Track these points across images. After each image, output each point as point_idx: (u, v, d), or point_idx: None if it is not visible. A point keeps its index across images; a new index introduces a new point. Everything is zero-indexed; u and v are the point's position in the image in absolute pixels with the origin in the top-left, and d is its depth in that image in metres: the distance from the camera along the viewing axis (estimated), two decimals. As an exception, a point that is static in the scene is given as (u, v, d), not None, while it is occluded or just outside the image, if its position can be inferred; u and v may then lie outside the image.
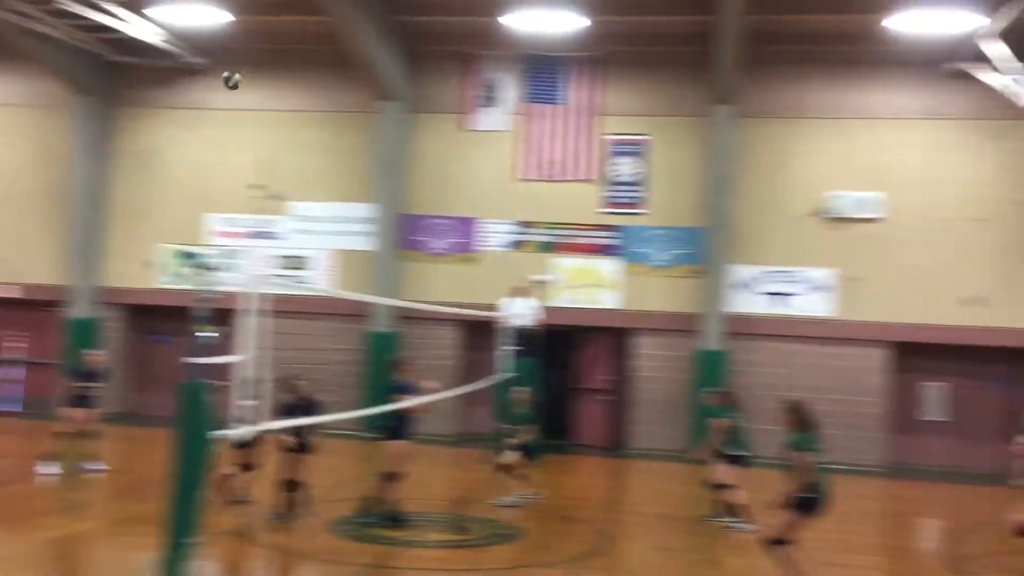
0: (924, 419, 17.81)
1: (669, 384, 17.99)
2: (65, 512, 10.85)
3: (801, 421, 8.23)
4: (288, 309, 10.28)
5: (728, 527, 10.81)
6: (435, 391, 10.81)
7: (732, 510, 10.89)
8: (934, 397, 17.80)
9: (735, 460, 10.94)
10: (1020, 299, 17.03)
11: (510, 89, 18.97)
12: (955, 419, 17.68)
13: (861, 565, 10.15)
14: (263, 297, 7.11)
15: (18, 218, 20.22)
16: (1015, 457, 9.21)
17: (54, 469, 12.29)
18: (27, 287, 20.00)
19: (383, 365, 17.21)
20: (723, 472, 10.99)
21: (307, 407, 10.02)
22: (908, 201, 17.45)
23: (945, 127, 17.51)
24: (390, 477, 10.36)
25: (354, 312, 18.31)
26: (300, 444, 10.13)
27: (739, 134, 17.87)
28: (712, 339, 17.56)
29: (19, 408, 19.37)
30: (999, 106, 16.27)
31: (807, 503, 8.00)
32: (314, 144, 19.39)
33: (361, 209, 19.06)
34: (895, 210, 17.46)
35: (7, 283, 20.01)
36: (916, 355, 17.51)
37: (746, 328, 17.73)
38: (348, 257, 19.16)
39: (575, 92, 18.76)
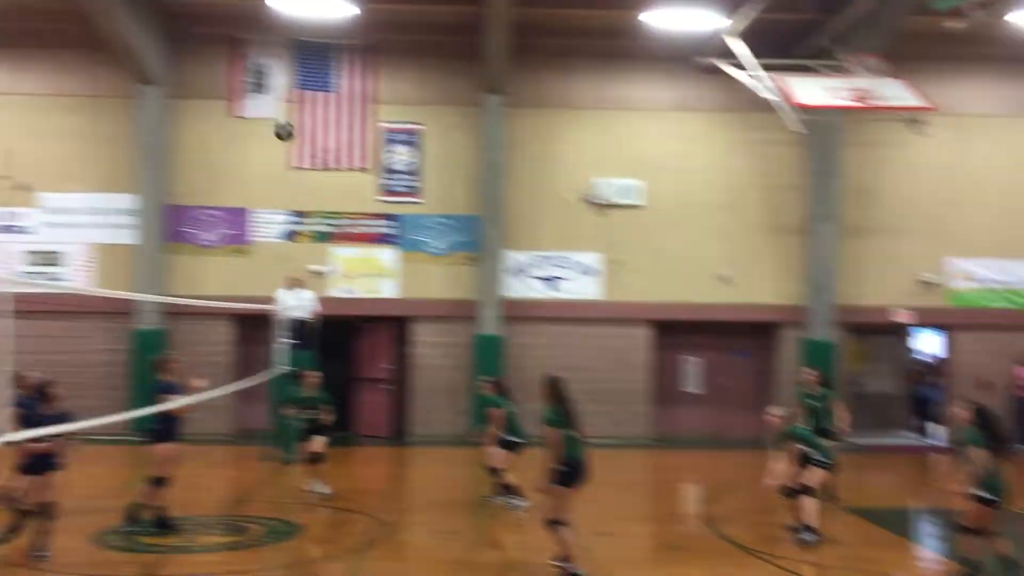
0: (683, 392, 19.12)
1: (449, 370, 18.29)
2: None
3: (553, 396, 8.57)
4: (41, 309, 9.59)
5: (507, 507, 11.17)
6: (202, 390, 10.41)
7: (509, 491, 11.27)
8: (691, 371, 19.16)
9: (509, 446, 11.32)
10: (763, 277, 18.59)
11: (280, 75, 18.49)
12: (710, 391, 19.10)
13: (631, 532, 10.79)
14: (7, 297, 6.60)
15: None
16: (768, 426, 10.12)
17: None
18: None
19: (150, 364, 16.44)
20: (497, 456, 11.39)
21: (58, 416, 9.09)
22: (665, 188, 18.60)
23: (696, 118, 18.77)
24: (157, 481, 9.93)
25: (118, 310, 17.28)
26: (45, 460, 9.18)
27: (509, 123, 18.35)
28: (489, 324, 17.99)
29: None
30: (744, 99, 17.62)
31: (563, 476, 8.37)
32: (67, 130, 18.06)
33: (122, 200, 17.99)
34: (654, 196, 18.56)
35: None
36: (675, 332, 18.75)
37: (521, 312, 18.30)
38: (109, 251, 18.04)
39: (348, 80, 18.57)
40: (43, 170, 17.90)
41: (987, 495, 8.21)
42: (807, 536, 9.80)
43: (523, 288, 18.46)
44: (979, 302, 18.64)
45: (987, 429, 8.39)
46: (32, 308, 7.30)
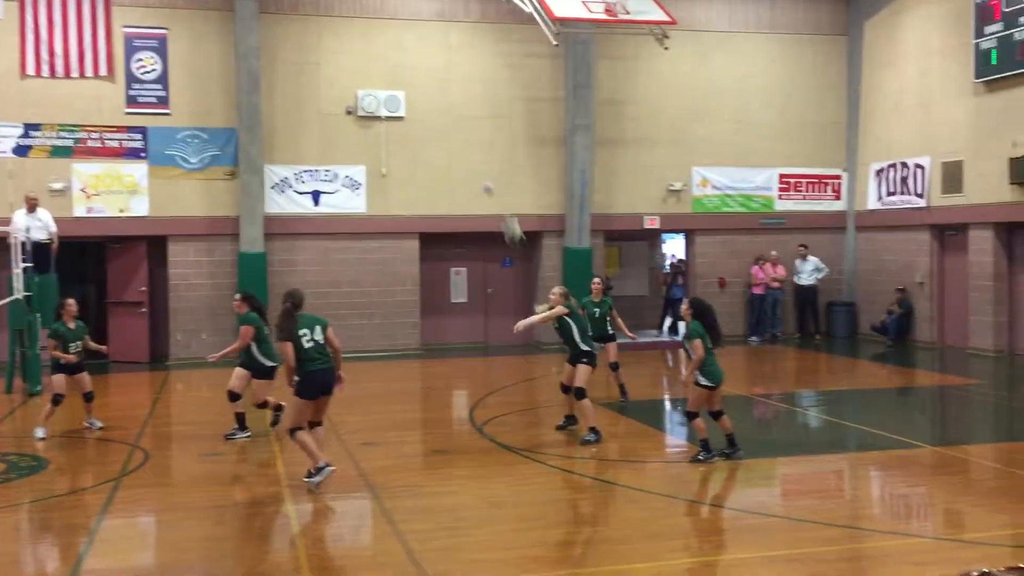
0: (451, 302, 19.50)
1: (212, 290, 17.65)
2: None
3: (283, 313, 8.59)
4: None
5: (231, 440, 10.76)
6: None
7: (240, 421, 10.80)
8: (458, 281, 19.55)
9: (258, 368, 10.63)
10: (524, 188, 19.09)
11: (0, -30, 16.62)
12: (476, 300, 19.60)
13: (398, 440, 11.00)
14: None
15: None
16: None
17: None
18: None
19: None
20: (237, 379, 10.70)
21: None
22: (428, 100, 18.55)
23: (459, 29, 18.73)
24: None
25: None
26: None
27: (265, 30, 17.57)
28: (251, 242, 17.44)
29: None
30: (505, 11, 17.76)
31: (299, 386, 8.50)
32: None
33: None
34: (416, 108, 18.48)
35: None
36: (441, 244, 18.99)
37: (284, 228, 17.87)
38: None
39: (81, -22, 16.97)
40: None
41: (705, 381, 9.28)
42: (591, 436, 10.30)
43: (285, 203, 17.98)
44: (718, 208, 20.12)
45: (704, 321, 9.37)
46: None
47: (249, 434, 10.79)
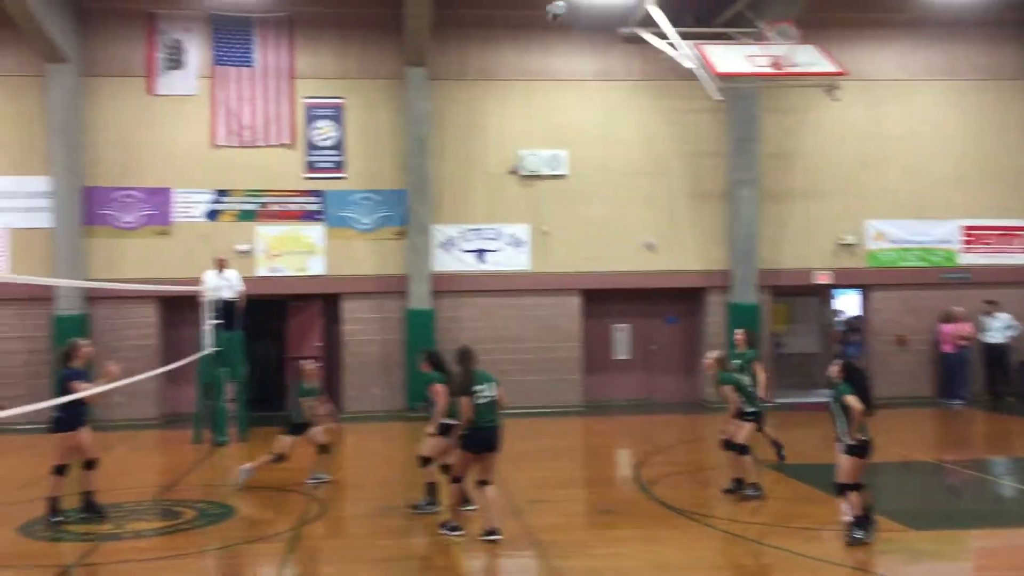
0: (613, 359, 19.41)
1: (381, 345, 18.27)
2: None
3: (462, 368, 8.89)
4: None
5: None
6: (117, 376, 10.21)
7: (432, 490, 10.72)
8: (620, 338, 19.46)
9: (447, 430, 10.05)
10: (687, 243, 18.91)
11: (197, 51, 18.09)
12: (639, 357, 19.43)
13: (565, 498, 10.97)
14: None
15: None
16: (706, 369, 10.64)
17: None
18: None
19: (58, 353, 16.08)
20: (433, 445, 10.18)
21: None
22: (589, 157, 18.74)
23: (619, 88, 18.90)
24: (58, 470, 9.83)
25: (36, 296, 16.87)
26: None
27: (433, 96, 18.27)
28: (419, 299, 18.00)
29: None
30: (665, 69, 17.81)
31: (466, 440, 8.75)
32: (-26, 112, 17.44)
33: (35, 183, 17.47)
34: (578, 166, 18.70)
35: None
36: (603, 300, 19.00)
37: (451, 286, 18.34)
38: (24, 236, 17.52)
39: (267, 54, 18.25)
40: (-50, 154, 17.29)
41: (856, 446, 8.48)
42: (751, 491, 10.18)
43: (452, 261, 18.49)
44: (895, 262, 19.26)
45: (855, 385, 8.63)
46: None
47: (439, 509, 9.97)
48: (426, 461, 10.21)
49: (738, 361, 12.12)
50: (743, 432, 10.56)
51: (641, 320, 19.45)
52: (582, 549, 8.63)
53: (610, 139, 18.83)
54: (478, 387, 8.75)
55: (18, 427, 9.61)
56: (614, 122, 18.88)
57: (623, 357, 19.43)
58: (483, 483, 8.85)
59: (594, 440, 16.13)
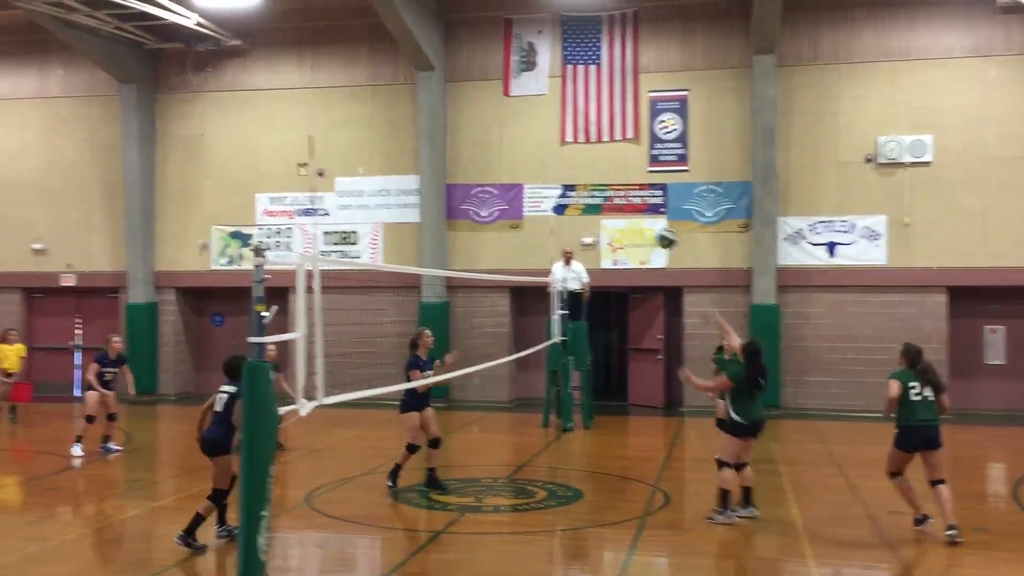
0: (985, 363, 17.52)
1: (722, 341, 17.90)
2: (125, 493, 11.19)
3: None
4: (341, 284, 10.40)
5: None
6: (451, 367, 10.83)
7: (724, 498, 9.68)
8: (993, 340, 17.52)
9: (735, 428, 9.30)
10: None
11: (548, 52, 18.86)
12: (1016, 362, 17.38)
13: (931, 512, 10.06)
14: (318, 274, 7.22)
15: (75, 208, 20.68)
16: None
17: (79, 451, 12.80)
18: (89, 275, 20.52)
19: (436, 335, 17.42)
20: (729, 446, 9.37)
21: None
22: (958, 142, 17.08)
23: (992, 64, 17.04)
24: (410, 448, 10.54)
25: (405, 284, 18.51)
26: None
27: (782, 83, 17.60)
28: (764, 294, 17.43)
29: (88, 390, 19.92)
30: (1052, 39, 15.78)
31: (897, 437, 8.87)
32: (356, 118, 19.50)
33: (406, 181, 19.17)
34: (944, 152, 17.11)
35: (70, 271, 20.55)
36: (972, 299, 17.22)
37: (798, 281, 17.57)
38: (395, 229, 19.31)
39: (613, 50, 18.59)
40: (337, 156, 19.45)
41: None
42: None
43: (800, 255, 17.70)
44: None
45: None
46: (332, 284, 7.88)
47: (755, 513, 9.42)
48: (722, 464, 9.31)
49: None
50: None
51: (1019, 321, 17.38)
52: (952, 571, 7.85)
53: (984, 121, 17.02)
54: (913, 384, 8.69)
55: (390, 402, 10.51)
56: (990, 102, 17.03)
57: (997, 362, 17.49)
58: (935, 483, 8.71)
59: (962, 451, 14.65)
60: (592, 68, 18.66)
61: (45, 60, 20.72)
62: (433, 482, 10.62)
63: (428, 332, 10.89)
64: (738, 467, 9.26)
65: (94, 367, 13.25)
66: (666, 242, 15.33)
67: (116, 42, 19.26)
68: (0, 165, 20.94)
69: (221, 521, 8.50)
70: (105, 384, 13.17)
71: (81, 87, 20.68)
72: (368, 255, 19.24)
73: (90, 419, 13.03)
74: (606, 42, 18.61)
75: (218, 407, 8.29)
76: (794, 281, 17.56)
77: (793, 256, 17.69)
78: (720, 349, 10.34)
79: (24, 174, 20.83)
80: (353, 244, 19.45)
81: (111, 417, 13.25)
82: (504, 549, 8.56)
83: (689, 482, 12.01)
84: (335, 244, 19.41)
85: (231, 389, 8.20)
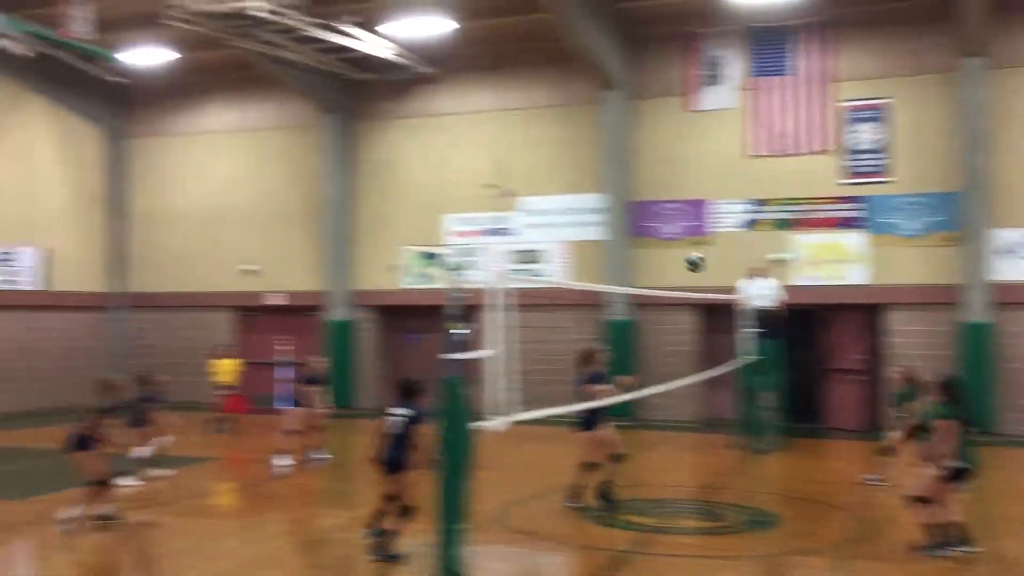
0: None
1: (928, 361, 16.80)
2: (327, 501, 11.70)
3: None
4: (527, 302, 10.53)
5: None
6: (630, 387, 10.68)
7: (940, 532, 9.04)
8: None
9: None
10: None
11: (734, 64, 18.46)
12: None
13: None
14: (506, 292, 7.31)
15: (281, 232, 22.02)
16: None
17: (287, 461, 13.31)
18: (292, 295, 21.78)
19: (621, 352, 17.33)
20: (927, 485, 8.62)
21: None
22: None
23: None
24: (588, 466, 10.45)
25: (589, 302, 18.52)
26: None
27: (992, 86, 16.43)
28: (975, 311, 16.27)
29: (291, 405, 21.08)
30: None
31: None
32: (542, 139, 19.76)
33: (590, 200, 19.22)
34: None
35: (275, 291, 21.88)
36: None
37: (1014, 297, 16.30)
38: (580, 247, 19.38)
39: (804, 60, 17.97)
40: (523, 176, 19.76)
41: None
42: None
43: (1015, 270, 16.41)
44: None
45: None
46: (520, 302, 7.96)
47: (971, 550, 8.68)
48: (922, 501, 8.63)
49: None
50: None
51: None
52: None
53: None
54: None
55: (566, 420, 10.53)
56: None
57: None
58: None
59: None
60: (781, 79, 18.11)
61: (254, 95, 22.24)
62: (607, 496, 10.51)
63: (601, 348, 11.10)
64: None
65: (298, 383, 13.97)
66: (693, 266, 14.59)
67: (318, 74, 20.42)
68: (214, 193, 22.59)
69: (379, 527, 8.49)
70: (308, 400, 13.83)
71: (286, 118, 22.05)
72: (552, 273, 19.40)
73: (293, 432, 13.72)
74: (796, 52, 18.02)
75: (394, 430, 8.35)
76: (1010, 298, 16.30)
77: (1008, 271, 16.42)
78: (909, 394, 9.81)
79: (235, 201, 22.39)
80: (538, 263, 19.67)
81: (317, 430, 13.90)
82: (693, 572, 8.34)
83: (892, 508, 11.32)
84: (520, 263, 19.69)
85: (405, 412, 8.32)
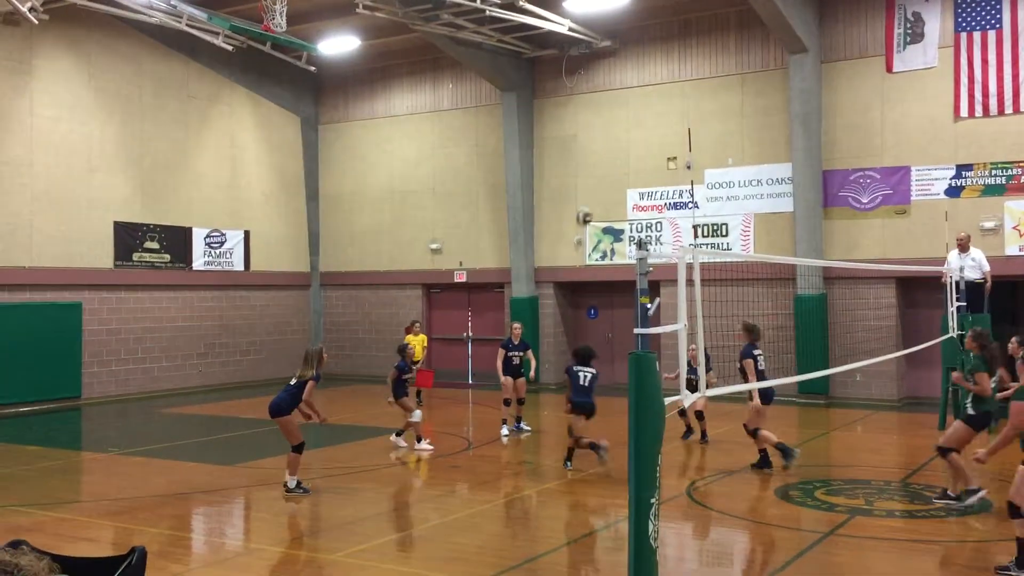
0: None
1: None
2: (518, 473, 11.91)
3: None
4: (713, 277, 10.27)
5: None
6: (712, 385, 10.29)
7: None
8: None
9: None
10: None
11: (937, 21, 17.25)
12: None
13: None
14: (693, 266, 7.15)
15: (465, 210, 22.52)
16: None
17: (505, 431, 13.98)
18: (476, 271, 22.26)
19: (813, 328, 16.69)
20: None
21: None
22: None
23: None
24: (751, 433, 11.26)
25: (781, 276, 17.91)
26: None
27: None
28: None
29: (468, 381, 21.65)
30: None
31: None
32: (725, 108, 19.22)
33: (778, 170, 18.55)
34: None
35: (460, 269, 22.44)
36: None
37: None
38: (767, 220, 18.76)
39: (1017, 11, 16.56)
40: (707, 148, 19.29)
41: None
42: None
43: None
44: None
45: None
46: (706, 277, 7.77)
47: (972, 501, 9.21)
48: (944, 452, 9.49)
49: None
50: None
51: None
52: None
53: None
54: None
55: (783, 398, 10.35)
56: None
57: None
58: None
59: None
60: (991, 33, 16.78)
61: (437, 77, 22.79)
62: (784, 450, 10.97)
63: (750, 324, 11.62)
64: None
65: (501, 352, 14.28)
66: (585, 222, 13.91)
67: (498, 54, 20.67)
68: (403, 174, 23.36)
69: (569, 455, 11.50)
70: (514, 369, 14.13)
71: (468, 98, 22.47)
72: (739, 247, 18.87)
73: (507, 402, 14.11)
74: (1008, 3, 16.63)
75: (584, 383, 11.32)
76: None
77: None
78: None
79: (422, 180, 23.06)
80: (724, 236, 19.19)
81: (520, 401, 14.25)
82: (897, 557, 7.93)
83: None
84: (704, 236, 19.28)
85: (591, 370, 11.44)
